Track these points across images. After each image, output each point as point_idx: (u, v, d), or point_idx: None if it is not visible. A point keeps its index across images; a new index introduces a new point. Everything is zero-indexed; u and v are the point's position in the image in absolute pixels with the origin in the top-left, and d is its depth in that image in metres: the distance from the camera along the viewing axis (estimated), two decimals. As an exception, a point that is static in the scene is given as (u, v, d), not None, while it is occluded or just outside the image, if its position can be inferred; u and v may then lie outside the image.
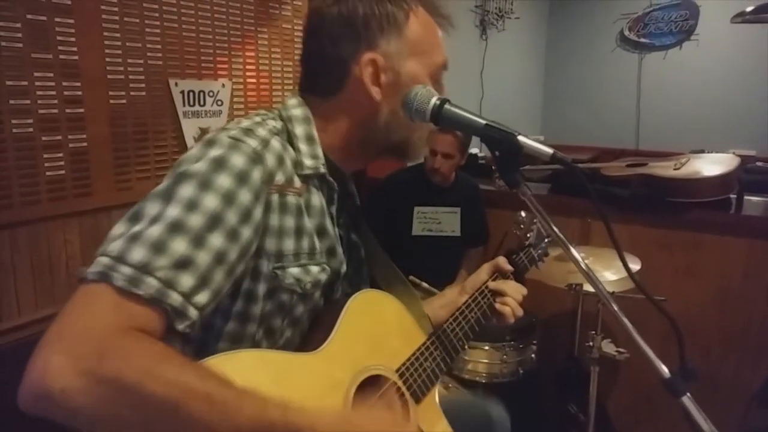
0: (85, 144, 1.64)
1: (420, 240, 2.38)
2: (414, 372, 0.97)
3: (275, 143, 0.85)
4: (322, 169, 0.90)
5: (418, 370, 0.98)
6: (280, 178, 0.84)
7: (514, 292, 1.14)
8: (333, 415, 0.71)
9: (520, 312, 1.13)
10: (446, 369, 1.04)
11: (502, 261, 1.19)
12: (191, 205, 0.73)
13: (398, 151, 0.98)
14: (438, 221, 2.39)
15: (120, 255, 0.68)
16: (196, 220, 0.72)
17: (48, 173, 1.56)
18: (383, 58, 0.89)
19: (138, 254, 0.68)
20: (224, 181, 0.76)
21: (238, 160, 0.78)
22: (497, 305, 1.13)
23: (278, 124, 0.90)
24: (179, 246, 0.70)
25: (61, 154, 1.59)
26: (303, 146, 0.89)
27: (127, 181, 1.76)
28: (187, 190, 0.74)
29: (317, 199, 0.90)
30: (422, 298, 1.13)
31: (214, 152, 0.78)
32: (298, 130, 0.90)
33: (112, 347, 0.62)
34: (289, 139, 0.89)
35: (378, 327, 0.95)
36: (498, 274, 1.18)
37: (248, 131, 0.83)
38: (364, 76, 0.89)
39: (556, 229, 0.84)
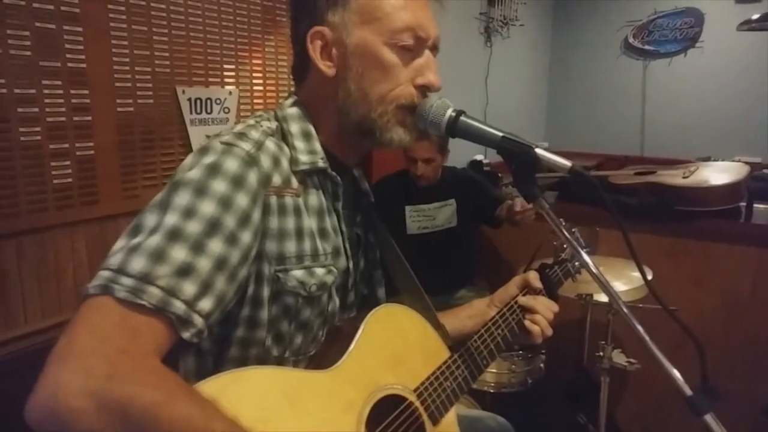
0: (92, 152, 1.63)
1: (417, 238, 2.35)
2: (433, 392, 0.93)
3: (270, 144, 0.84)
4: (321, 164, 0.88)
5: (437, 390, 0.94)
6: (276, 179, 0.82)
7: (544, 309, 1.09)
8: None
9: (549, 331, 1.08)
10: (467, 388, 0.99)
11: (532, 276, 1.14)
12: (188, 213, 0.72)
13: (366, 133, 0.89)
14: (432, 217, 2.36)
15: (120, 267, 0.67)
16: (194, 227, 0.71)
17: (55, 181, 1.55)
18: (331, 30, 0.86)
19: (138, 264, 0.67)
20: (220, 186, 0.75)
21: (232, 165, 0.77)
22: (527, 323, 1.09)
23: (273, 125, 0.88)
24: (179, 253, 0.69)
25: (68, 162, 1.58)
26: (299, 143, 0.88)
27: (134, 189, 1.75)
28: (183, 198, 0.73)
29: (315, 198, 0.88)
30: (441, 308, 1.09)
31: (208, 159, 0.77)
32: (294, 127, 0.89)
33: (122, 371, 0.60)
34: (284, 138, 0.88)
35: (397, 344, 0.91)
36: (528, 289, 1.14)
37: (241, 135, 0.82)
38: (312, 50, 0.87)
39: (574, 243, 0.83)
